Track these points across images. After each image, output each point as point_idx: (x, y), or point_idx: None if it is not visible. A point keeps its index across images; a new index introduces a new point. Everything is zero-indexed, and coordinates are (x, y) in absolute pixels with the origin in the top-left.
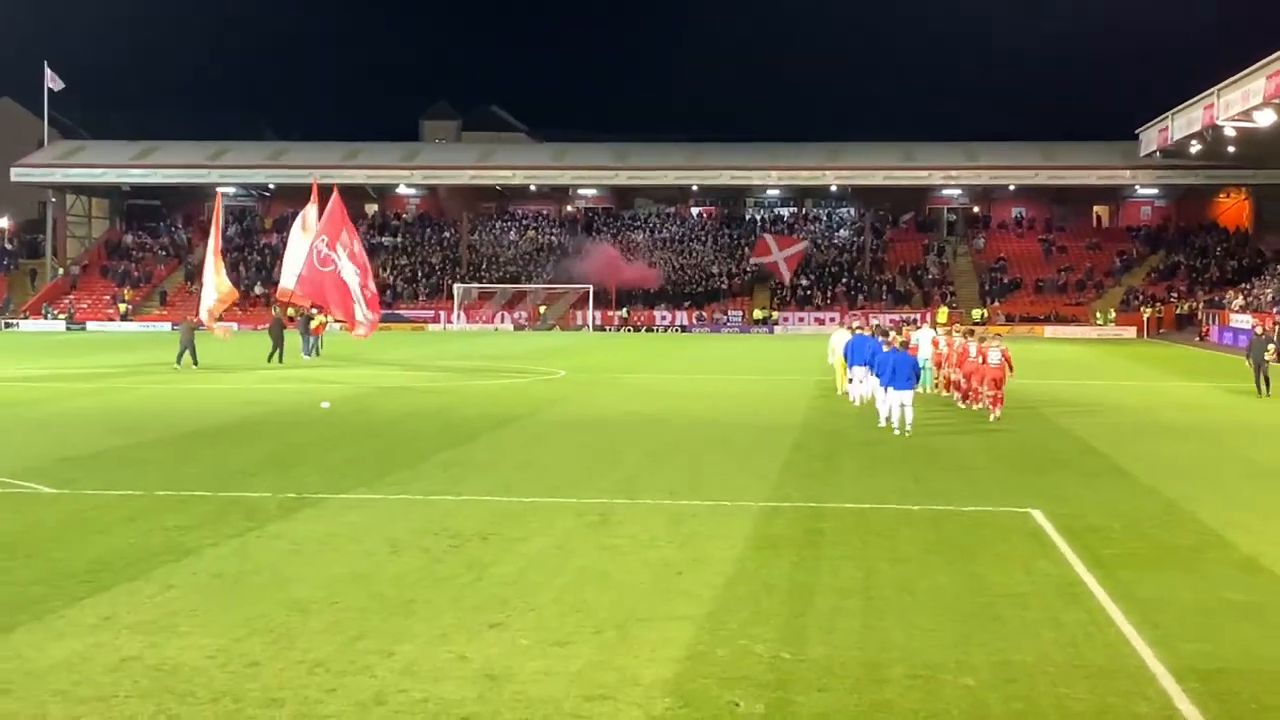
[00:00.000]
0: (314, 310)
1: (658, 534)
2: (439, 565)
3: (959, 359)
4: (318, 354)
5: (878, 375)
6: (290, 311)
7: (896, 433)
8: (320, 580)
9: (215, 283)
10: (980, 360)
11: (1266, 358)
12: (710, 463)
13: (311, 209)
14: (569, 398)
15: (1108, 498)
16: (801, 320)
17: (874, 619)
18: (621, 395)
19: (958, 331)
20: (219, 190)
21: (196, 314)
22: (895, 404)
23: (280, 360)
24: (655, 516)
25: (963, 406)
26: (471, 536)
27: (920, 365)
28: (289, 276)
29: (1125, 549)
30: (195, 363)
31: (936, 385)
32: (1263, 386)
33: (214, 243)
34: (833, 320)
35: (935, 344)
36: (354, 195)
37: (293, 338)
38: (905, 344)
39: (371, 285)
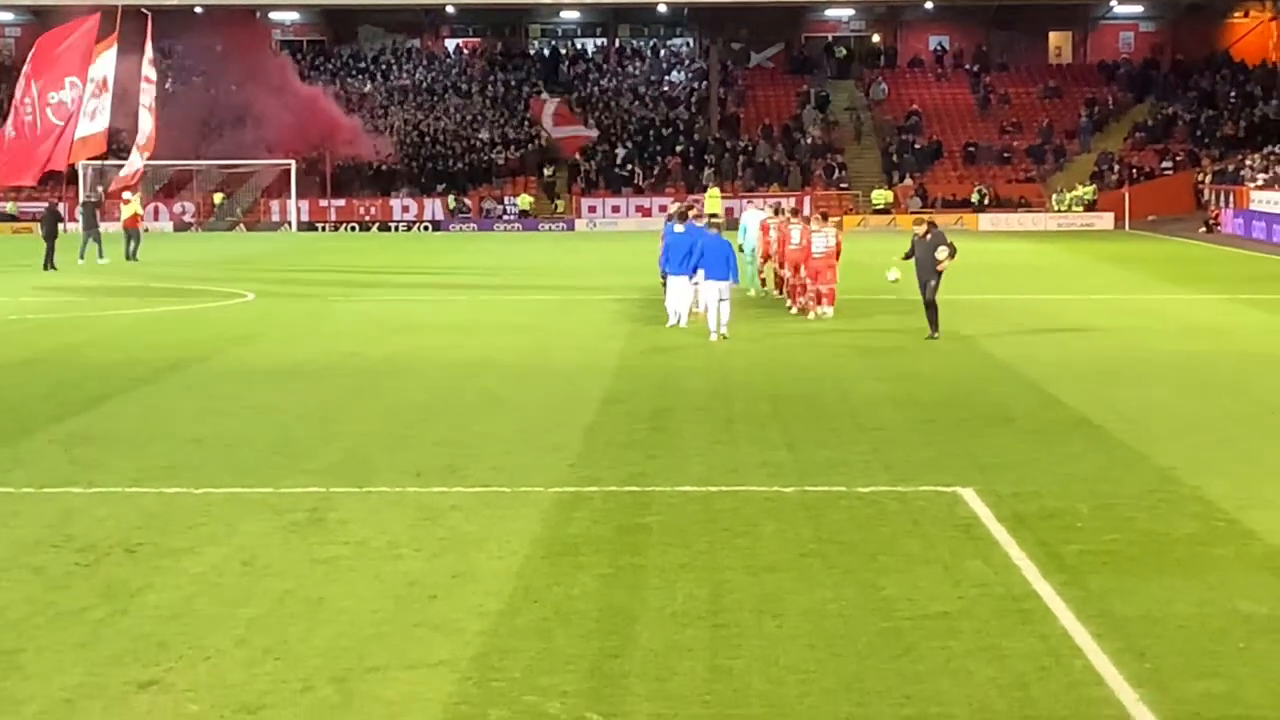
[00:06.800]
0: (99, 191)
1: (399, 538)
2: (60, 593)
3: (779, 248)
4: (134, 257)
5: (664, 264)
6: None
7: (713, 338)
8: None
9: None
10: (801, 247)
11: (939, 265)
12: (477, 430)
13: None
14: (260, 334)
15: (1072, 469)
16: (616, 210)
17: (725, 657)
18: (341, 328)
19: (780, 212)
20: None
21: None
22: (713, 299)
23: (51, 266)
24: (394, 512)
25: (793, 311)
26: (111, 549)
27: (750, 258)
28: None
29: (1098, 544)
30: (101, 254)
31: (768, 287)
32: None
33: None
34: (662, 210)
35: (766, 230)
36: None
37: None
38: (720, 226)
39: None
